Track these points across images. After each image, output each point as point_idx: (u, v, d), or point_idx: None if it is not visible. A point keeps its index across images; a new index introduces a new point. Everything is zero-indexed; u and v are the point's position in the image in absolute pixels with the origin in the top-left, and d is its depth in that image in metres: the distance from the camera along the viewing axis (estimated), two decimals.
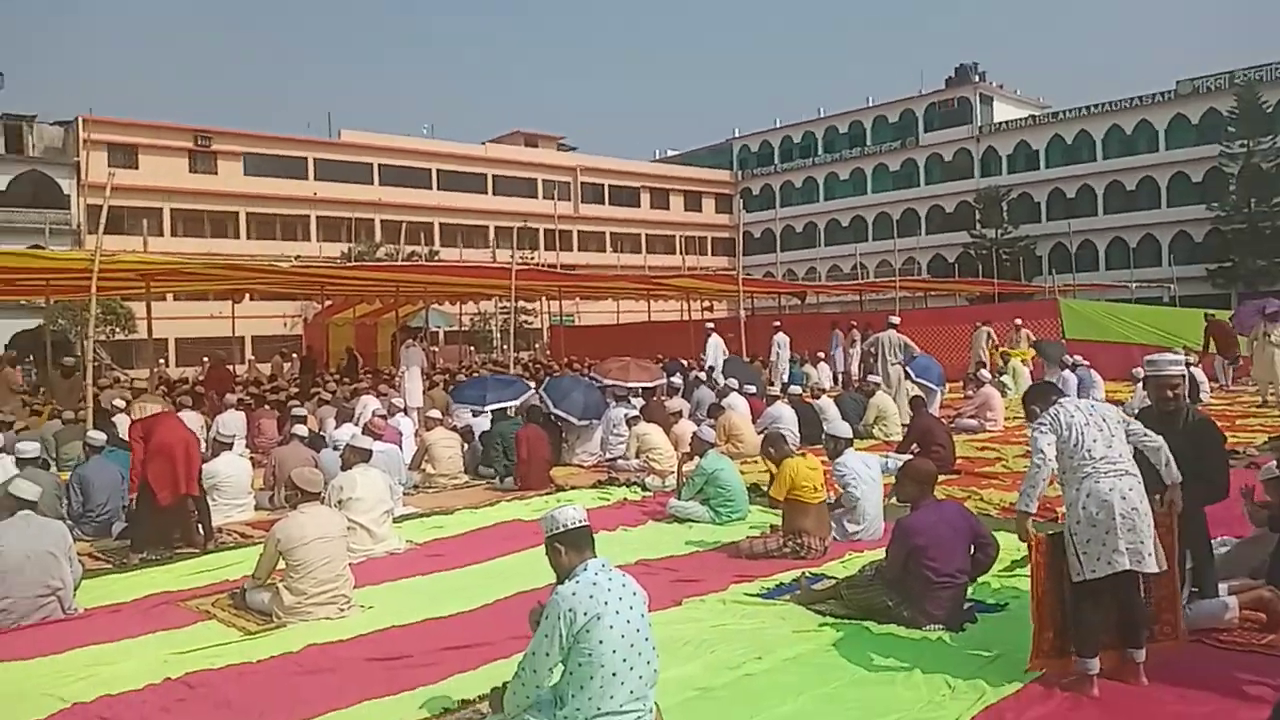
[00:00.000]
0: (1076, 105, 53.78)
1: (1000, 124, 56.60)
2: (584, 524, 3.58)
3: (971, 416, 13.60)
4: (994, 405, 13.68)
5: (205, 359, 24.16)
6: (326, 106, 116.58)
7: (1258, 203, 43.74)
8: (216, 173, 46.91)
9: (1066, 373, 15.86)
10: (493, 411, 11.13)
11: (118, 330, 37.56)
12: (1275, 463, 5.52)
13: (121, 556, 7.30)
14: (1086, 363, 16.82)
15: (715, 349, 18.64)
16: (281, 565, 5.54)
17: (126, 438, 11.05)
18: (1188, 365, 15.56)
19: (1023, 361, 19.60)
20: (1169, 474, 4.32)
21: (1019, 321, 20.87)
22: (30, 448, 7.78)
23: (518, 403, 11.80)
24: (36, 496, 5.74)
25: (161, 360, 34.62)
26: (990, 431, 13.08)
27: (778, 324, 21.89)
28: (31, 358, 26.31)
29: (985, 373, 15.08)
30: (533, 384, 13.69)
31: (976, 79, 58.80)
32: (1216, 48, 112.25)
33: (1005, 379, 18.81)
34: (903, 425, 12.11)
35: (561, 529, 3.56)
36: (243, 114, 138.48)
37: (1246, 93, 44.55)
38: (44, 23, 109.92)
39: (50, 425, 11.98)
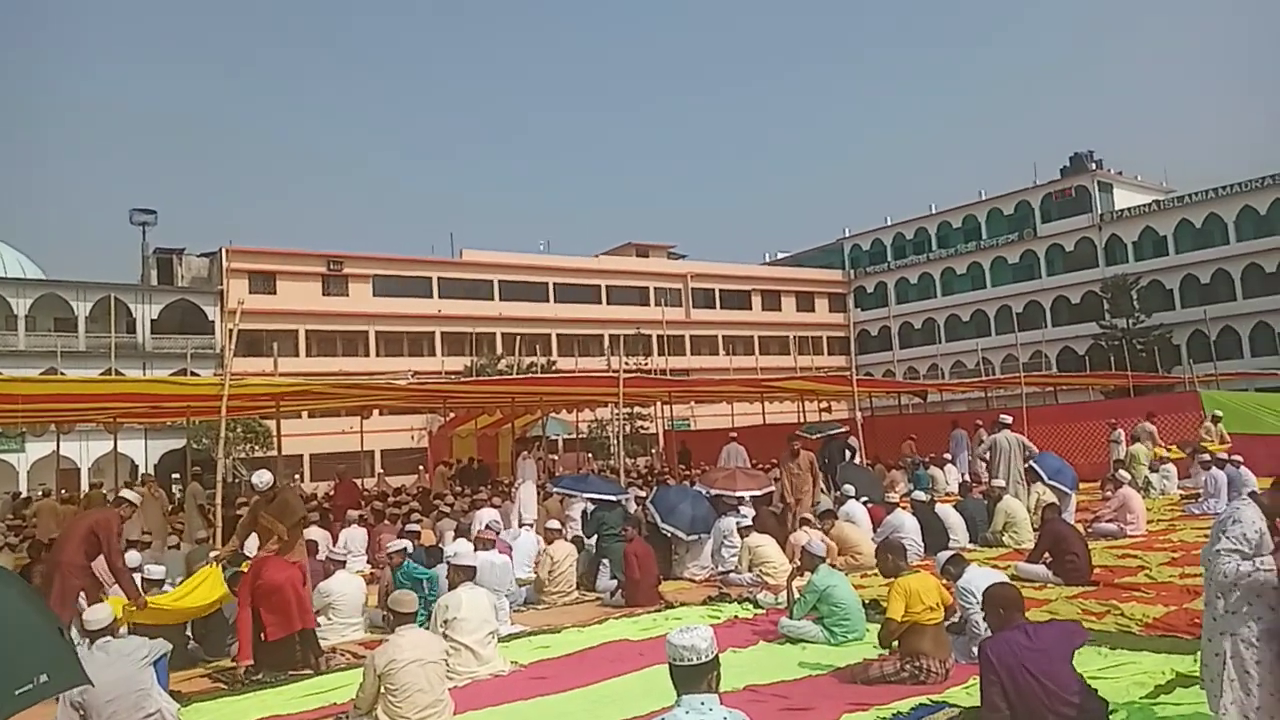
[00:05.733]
0: (1203, 188, 51.74)
1: (1122, 211, 54.86)
2: (687, 662, 3.26)
3: (1110, 520, 12.74)
4: (1134, 507, 12.77)
5: (336, 474, 24.86)
6: (449, 228, 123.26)
7: None
8: (347, 295, 49.53)
9: (1215, 470, 14.81)
10: (594, 515, 11.12)
11: (256, 448, 39.51)
12: None
13: (237, 677, 7.42)
14: (1239, 459, 15.68)
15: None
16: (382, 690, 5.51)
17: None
18: None
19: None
20: None
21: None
22: (157, 570, 8.12)
23: (614, 498, 11.79)
24: (109, 620, 5.85)
25: (296, 475, 36.04)
26: (1131, 536, 12.20)
27: (734, 434, 21.75)
28: (178, 476, 27.85)
29: (1124, 473, 14.15)
30: (641, 493, 13.59)
31: (1093, 166, 57.45)
32: None
33: (1154, 477, 17.65)
34: (1034, 531, 11.44)
35: (670, 662, 3.31)
36: (371, 238, 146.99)
37: None
38: (189, 160, 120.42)
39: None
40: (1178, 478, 17.86)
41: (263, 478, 8.16)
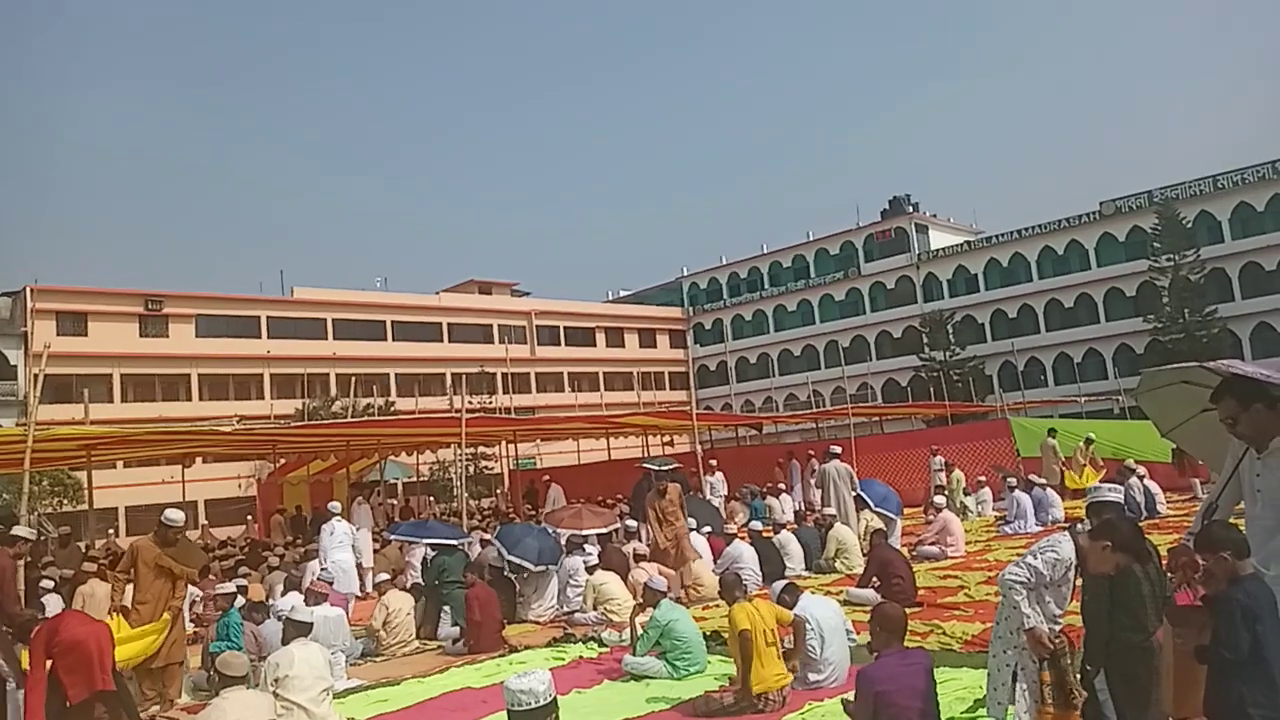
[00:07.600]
0: (1008, 229, 56.05)
1: (937, 251, 58.66)
2: (525, 706, 3.26)
3: (932, 543, 13.48)
4: (954, 530, 13.59)
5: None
6: (279, 265, 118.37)
7: (1191, 313, 45.22)
8: (168, 335, 46.76)
9: (1019, 493, 15.90)
10: (435, 561, 10.90)
11: (65, 502, 36.48)
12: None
13: None
14: (1043, 481, 16.93)
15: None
16: None
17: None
18: (1139, 478, 15.83)
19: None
20: None
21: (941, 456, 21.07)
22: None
23: (455, 542, 11.57)
24: None
25: (111, 530, 33.47)
26: (952, 558, 12.95)
27: (547, 477, 23.99)
28: None
29: (940, 498, 15.04)
30: (486, 537, 13.40)
31: (910, 209, 61.23)
32: (1133, 169, 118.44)
33: (969, 500, 18.78)
34: (864, 556, 11.96)
35: (508, 708, 3.29)
36: (194, 276, 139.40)
37: (1166, 210, 46.70)
38: None
39: None
40: (992, 500, 19.12)
41: (177, 515, 8.21)
